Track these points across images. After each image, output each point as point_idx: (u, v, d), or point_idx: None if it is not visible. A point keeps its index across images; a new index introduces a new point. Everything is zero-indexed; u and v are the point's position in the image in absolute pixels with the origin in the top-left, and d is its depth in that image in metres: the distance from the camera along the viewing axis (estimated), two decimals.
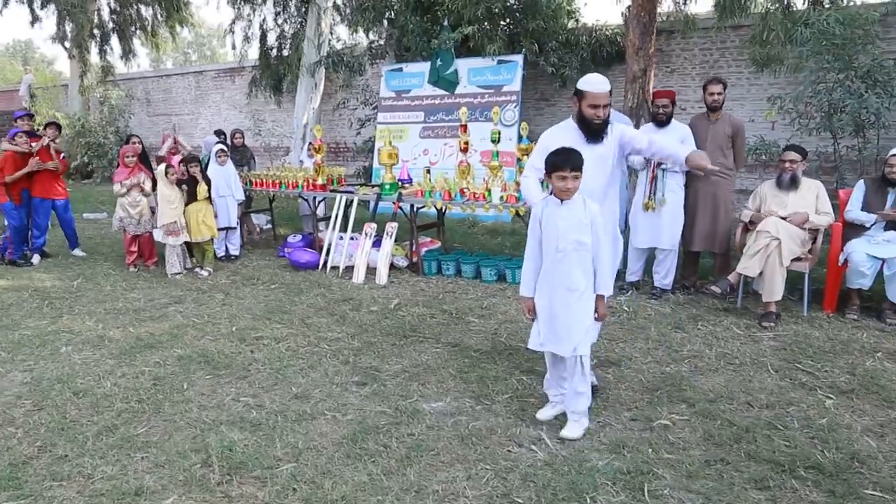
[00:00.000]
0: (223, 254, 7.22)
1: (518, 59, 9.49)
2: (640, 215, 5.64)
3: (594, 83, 3.40)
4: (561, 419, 3.35)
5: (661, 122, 5.53)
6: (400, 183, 6.76)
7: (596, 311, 3.18)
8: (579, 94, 3.44)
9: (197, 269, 6.66)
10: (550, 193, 3.20)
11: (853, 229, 5.20)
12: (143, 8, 17.16)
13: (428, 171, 7.10)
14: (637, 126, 8.92)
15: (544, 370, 3.55)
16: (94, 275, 6.72)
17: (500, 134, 6.42)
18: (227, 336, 4.78)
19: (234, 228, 7.21)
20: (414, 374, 4.01)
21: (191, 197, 6.49)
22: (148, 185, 6.77)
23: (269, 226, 9.10)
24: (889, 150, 7.36)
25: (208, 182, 6.57)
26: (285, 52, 12.79)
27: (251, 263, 7.14)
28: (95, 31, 16.97)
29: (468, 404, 3.62)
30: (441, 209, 6.80)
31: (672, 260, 5.66)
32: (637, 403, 3.61)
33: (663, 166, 5.46)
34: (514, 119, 9.33)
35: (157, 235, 6.46)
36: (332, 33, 12.09)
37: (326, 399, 3.69)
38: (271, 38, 12.89)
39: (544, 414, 3.41)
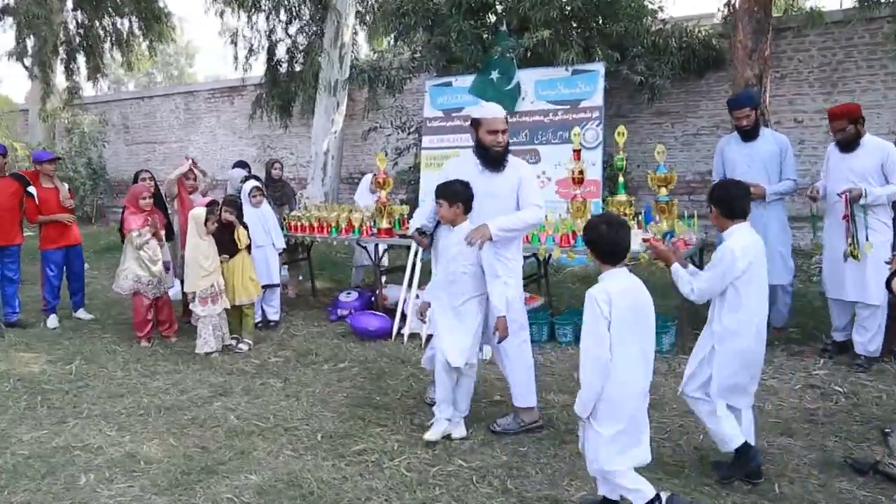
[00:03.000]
0: (258, 319, 6.26)
1: (599, 67, 8.69)
2: (838, 261, 4.79)
3: (490, 110, 3.86)
4: None
5: (843, 146, 4.78)
6: None
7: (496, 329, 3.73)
8: (475, 124, 3.85)
9: (231, 342, 5.70)
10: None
11: None
12: (118, 21, 16.35)
13: None
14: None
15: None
16: (94, 353, 5.71)
17: (624, 159, 5.59)
18: (313, 449, 3.79)
19: (276, 286, 6.26)
20: None
21: (225, 249, 5.57)
22: (162, 233, 5.89)
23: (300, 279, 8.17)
24: None
25: (245, 228, 5.68)
26: (297, 67, 11.99)
27: (298, 332, 6.18)
28: (60, 48, 16.13)
29: None
30: (547, 258, 5.89)
31: (879, 318, 4.79)
32: None
33: (862, 201, 4.63)
34: (596, 140, 8.51)
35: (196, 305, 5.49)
36: (354, 44, 11.33)
37: None
38: (280, 51, 12.11)
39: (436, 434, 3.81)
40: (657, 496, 2.80)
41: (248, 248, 5.73)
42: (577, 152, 5.79)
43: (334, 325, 6.33)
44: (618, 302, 2.74)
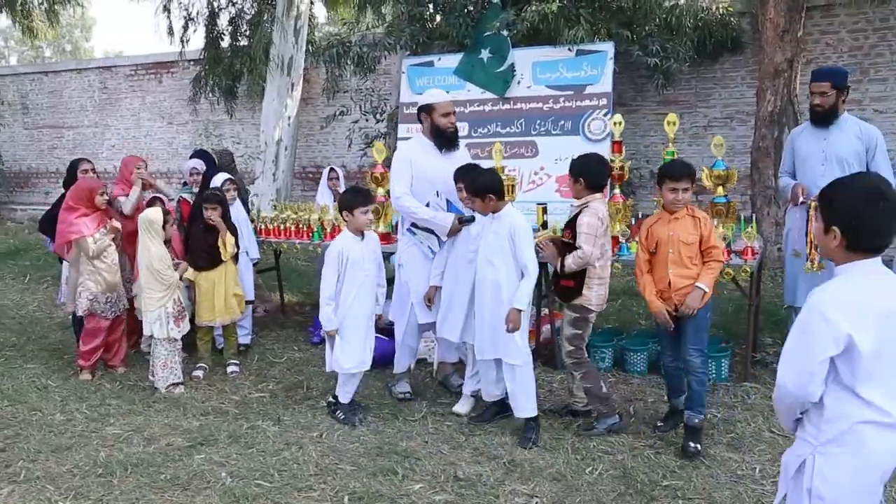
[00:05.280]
0: (221, 345, 5.69)
1: (608, 48, 8.43)
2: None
3: (438, 95, 4.66)
4: None
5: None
6: None
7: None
8: (429, 109, 4.56)
9: (198, 374, 5.17)
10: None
11: None
12: None
13: (545, 210, 5.92)
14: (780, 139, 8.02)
15: None
16: (19, 391, 5.04)
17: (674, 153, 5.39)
18: None
19: (250, 303, 5.74)
20: None
21: (206, 258, 5.12)
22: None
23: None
24: None
25: (235, 232, 5.23)
26: (242, 41, 11.37)
27: (277, 359, 5.68)
28: None
29: None
30: None
31: None
32: None
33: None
34: (604, 131, 8.23)
35: (155, 329, 4.89)
36: (312, 16, 10.81)
37: None
38: (223, 21, 11.47)
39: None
40: (359, 407, 4.46)
41: (236, 256, 5.29)
42: (619, 144, 5.58)
43: (319, 348, 5.81)
44: (345, 256, 4.26)
